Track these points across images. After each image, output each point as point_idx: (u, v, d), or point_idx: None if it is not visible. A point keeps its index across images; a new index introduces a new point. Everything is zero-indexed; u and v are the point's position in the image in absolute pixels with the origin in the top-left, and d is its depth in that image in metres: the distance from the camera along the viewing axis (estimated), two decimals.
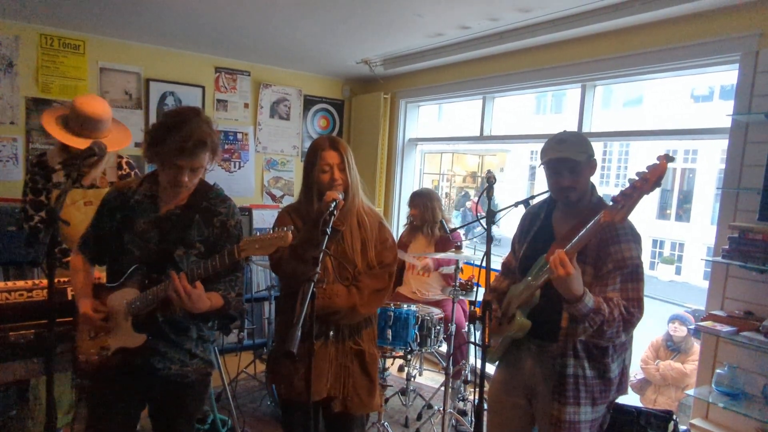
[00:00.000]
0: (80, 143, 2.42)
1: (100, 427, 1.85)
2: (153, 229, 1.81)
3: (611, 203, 1.60)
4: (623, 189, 1.58)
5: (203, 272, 1.70)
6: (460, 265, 3.43)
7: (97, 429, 1.86)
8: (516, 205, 2.17)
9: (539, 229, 2.00)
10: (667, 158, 1.53)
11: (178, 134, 1.69)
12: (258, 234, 1.71)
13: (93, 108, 2.50)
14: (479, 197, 2.09)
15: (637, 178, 1.56)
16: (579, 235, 1.65)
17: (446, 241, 3.74)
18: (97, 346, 1.83)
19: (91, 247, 1.92)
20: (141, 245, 1.80)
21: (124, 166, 2.71)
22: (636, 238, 1.80)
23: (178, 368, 1.86)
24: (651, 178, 1.53)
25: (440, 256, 3.63)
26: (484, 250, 1.98)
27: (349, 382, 2.03)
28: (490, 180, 2.00)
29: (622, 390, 1.90)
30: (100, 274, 2.04)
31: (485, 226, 2.00)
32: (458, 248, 3.45)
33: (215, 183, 2.01)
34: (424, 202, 3.88)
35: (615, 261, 1.75)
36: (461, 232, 4.07)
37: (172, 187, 1.81)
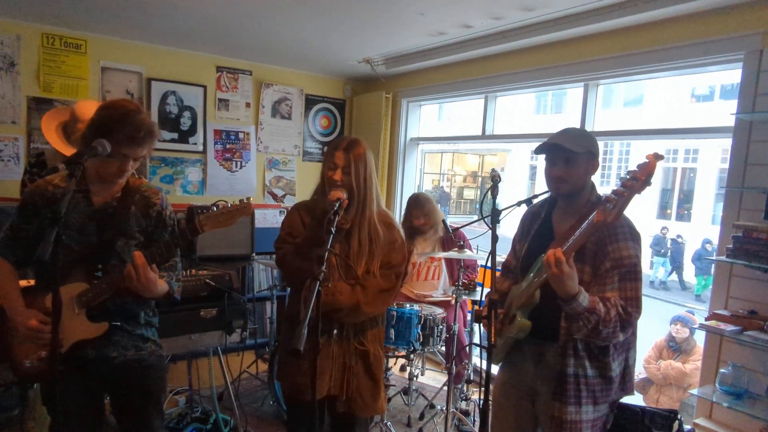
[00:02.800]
0: (68, 149, 2.42)
1: (68, 428, 1.83)
2: (90, 222, 1.82)
3: (604, 203, 1.61)
4: (615, 189, 1.59)
5: (164, 251, 1.76)
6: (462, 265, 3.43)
7: (65, 429, 1.84)
8: (518, 204, 2.16)
9: (539, 229, 2.01)
10: (656, 156, 1.54)
11: (129, 125, 1.72)
12: (215, 209, 1.75)
13: (90, 112, 2.48)
14: (483, 196, 2.08)
15: (628, 177, 1.57)
16: (574, 235, 1.66)
17: (452, 240, 3.74)
18: (44, 347, 1.78)
19: (13, 250, 1.84)
20: (79, 239, 1.80)
21: None
22: (635, 237, 1.79)
23: (134, 353, 1.89)
24: (641, 177, 1.54)
25: (442, 255, 3.63)
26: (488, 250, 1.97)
27: (353, 382, 2.02)
28: (494, 179, 1.99)
29: (626, 390, 1.89)
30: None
31: (489, 225, 1.99)
32: (461, 248, 3.45)
33: (141, 177, 2.05)
34: (431, 207, 3.85)
35: (613, 260, 1.75)
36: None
37: (112, 178, 1.82)
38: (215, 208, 1.78)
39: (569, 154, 1.81)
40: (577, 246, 1.66)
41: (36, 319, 1.75)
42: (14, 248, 1.84)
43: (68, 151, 2.45)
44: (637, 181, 1.54)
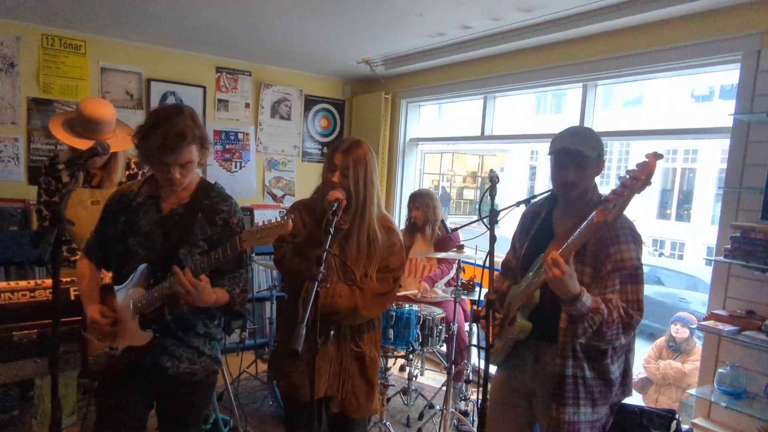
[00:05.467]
0: (84, 145, 2.45)
1: (110, 428, 1.86)
2: (157, 229, 1.83)
3: (604, 202, 1.60)
4: (614, 188, 1.57)
5: (206, 266, 1.73)
6: (459, 265, 3.44)
7: (106, 429, 1.87)
8: (517, 204, 2.16)
9: (539, 228, 2.00)
10: (656, 155, 1.52)
11: (160, 131, 1.71)
12: (259, 224, 1.73)
13: (97, 110, 2.53)
14: (482, 197, 2.09)
15: (627, 176, 1.55)
16: (573, 236, 1.64)
17: (445, 240, 3.75)
18: (105, 346, 1.86)
19: (96, 252, 1.93)
20: (146, 245, 1.82)
21: (132, 166, 2.74)
22: (636, 239, 1.78)
23: (186, 366, 1.87)
24: (641, 176, 1.52)
25: (442, 255, 3.63)
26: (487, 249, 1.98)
27: (348, 384, 2.02)
28: (493, 179, 1.99)
29: (626, 392, 1.89)
30: (106, 274, 2.06)
31: (488, 226, 1.99)
32: (460, 248, 3.46)
33: (216, 182, 2.02)
34: (425, 202, 3.89)
35: (614, 262, 1.73)
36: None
37: (168, 186, 1.82)
38: (260, 224, 1.77)
39: (581, 158, 1.80)
40: (577, 246, 1.64)
41: (100, 312, 1.80)
42: (97, 250, 1.92)
43: (76, 142, 2.48)
44: (637, 180, 1.52)
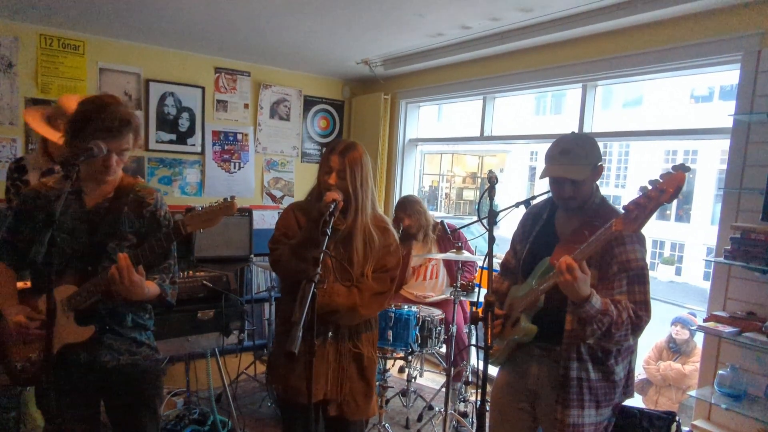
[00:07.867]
0: (61, 138, 2.42)
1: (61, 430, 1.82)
2: (82, 224, 1.79)
3: (623, 212, 1.56)
4: (636, 198, 1.53)
5: (148, 253, 1.71)
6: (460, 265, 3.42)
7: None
8: (517, 205, 2.15)
9: (541, 230, 1.99)
10: (684, 168, 1.48)
11: (102, 117, 1.68)
12: (200, 208, 1.72)
13: (74, 104, 2.50)
14: (480, 197, 2.07)
15: (650, 187, 1.50)
16: (588, 241, 1.63)
17: (448, 239, 3.73)
18: (35, 349, 1.79)
19: (10, 252, 1.85)
20: (71, 241, 1.77)
21: None
22: (640, 240, 1.77)
23: (127, 358, 1.86)
24: (669, 189, 1.47)
25: (441, 256, 3.62)
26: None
27: (346, 385, 2.01)
28: (491, 180, 1.98)
29: (628, 393, 1.89)
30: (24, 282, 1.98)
31: (486, 227, 1.98)
32: (459, 248, 3.44)
33: (138, 176, 1.99)
34: (416, 209, 3.84)
35: (620, 263, 1.72)
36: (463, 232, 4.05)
37: (101, 175, 1.78)
38: (200, 208, 1.75)
39: (575, 179, 1.79)
40: (591, 252, 1.63)
41: (24, 314, 1.74)
42: (10, 250, 1.84)
43: (54, 135, 2.44)
44: (663, 192, 1.47)
